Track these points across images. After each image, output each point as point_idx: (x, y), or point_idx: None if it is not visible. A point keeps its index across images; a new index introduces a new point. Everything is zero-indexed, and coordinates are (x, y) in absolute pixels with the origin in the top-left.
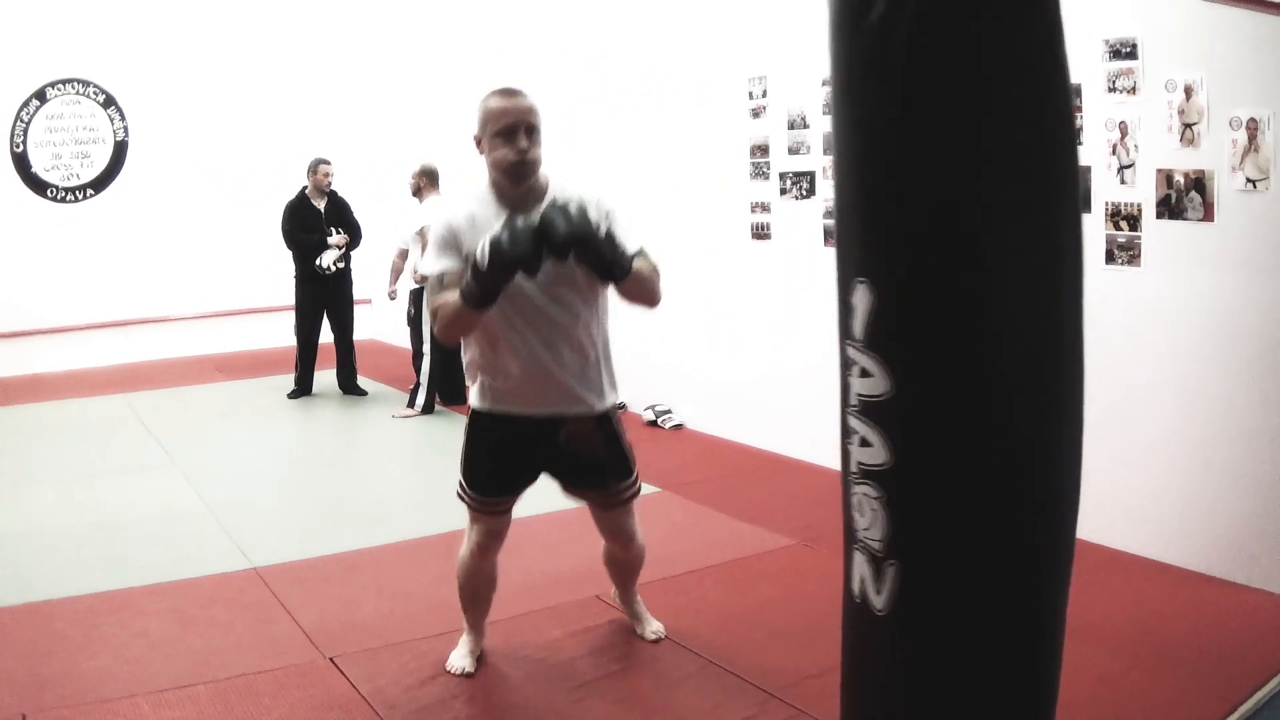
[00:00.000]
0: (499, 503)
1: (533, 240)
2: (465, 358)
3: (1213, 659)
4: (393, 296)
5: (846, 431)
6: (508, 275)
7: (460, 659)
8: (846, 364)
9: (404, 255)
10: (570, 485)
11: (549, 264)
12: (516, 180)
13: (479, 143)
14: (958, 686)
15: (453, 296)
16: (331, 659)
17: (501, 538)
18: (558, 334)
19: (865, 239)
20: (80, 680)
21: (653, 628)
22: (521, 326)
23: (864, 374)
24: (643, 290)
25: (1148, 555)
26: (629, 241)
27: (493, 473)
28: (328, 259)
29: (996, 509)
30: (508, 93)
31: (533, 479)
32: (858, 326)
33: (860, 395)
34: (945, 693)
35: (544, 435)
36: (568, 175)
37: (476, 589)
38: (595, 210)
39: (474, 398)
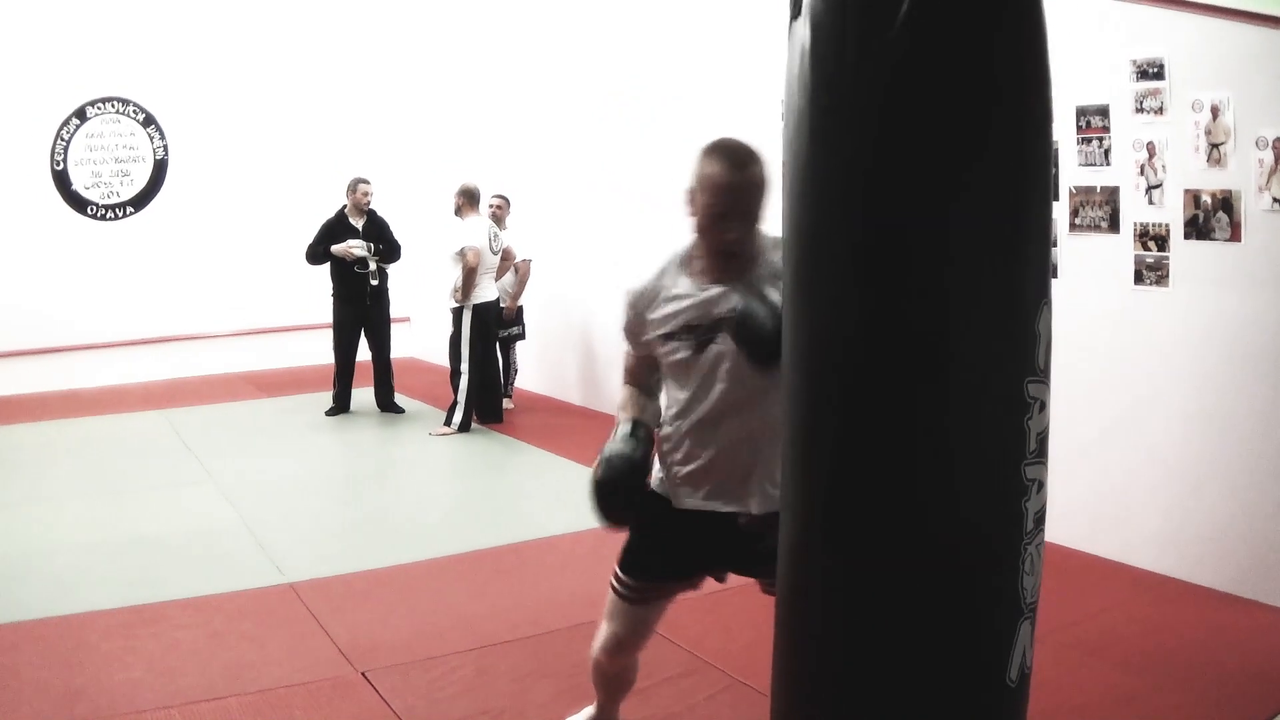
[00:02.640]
0: (653, 589)
1: (628, 473)
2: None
3: (1236, 679)
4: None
5: (1018, 491)
6: (613, 506)
7: None
8: (1022, 407)
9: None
10: (750, 574)
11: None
12: (721, 267)
13: (690, 198)
14: None
15: (621, 398)
16: (364, 674)
17: (643, 636)
18: (752, 418)
19: (1045, 251)
20: (114, 692)
21: None
22: (717, 407)
23: (1042, 407)
24: None
25: (1173, 575)
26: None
27: (656, 557)
28: (358, 250)
29: None
30: (735, 162)
31: (703, 571)
32: (1042, 356)
33: (1038, 434)
34: None
35: (724, 526)
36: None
37: (609, 681)
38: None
39: (655, 480)
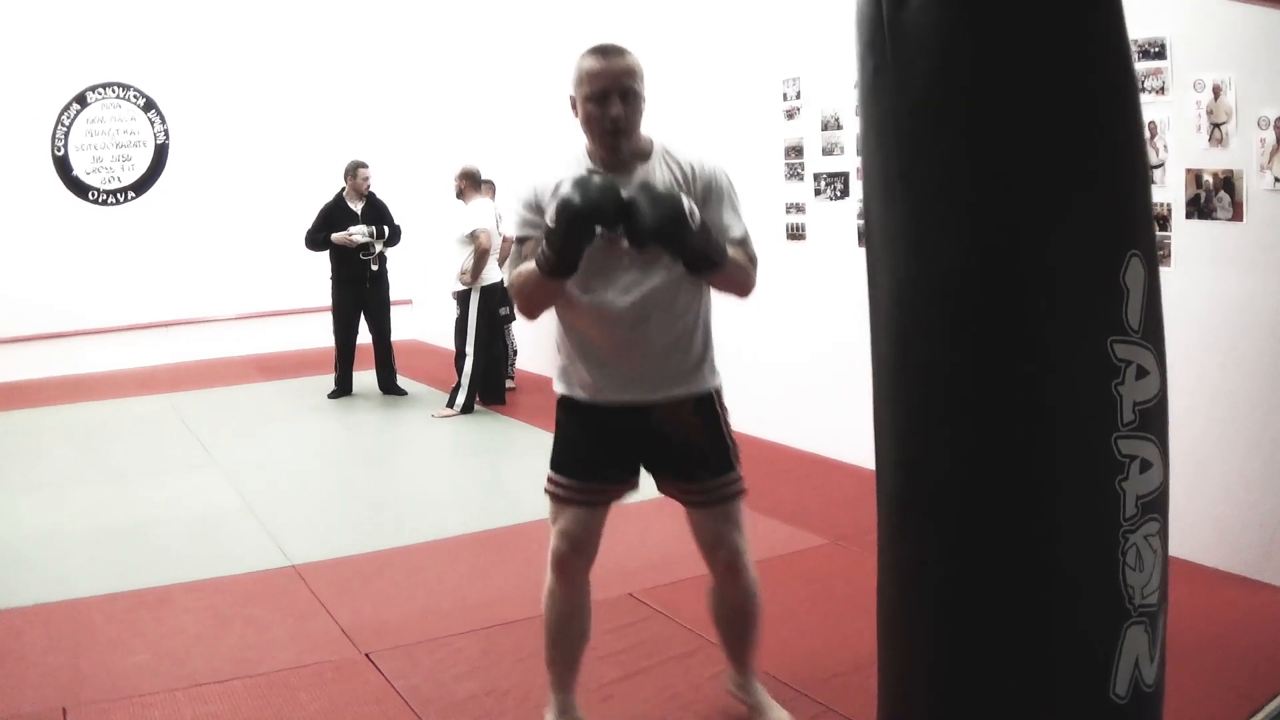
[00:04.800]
0: (591, 488)
1: (611, 197)
2: (556, 330)
3: (1238, 658)
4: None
5: (1114, 466)
6: (578, 235)
7: None
8: (1111, 369)
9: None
10: (661, 477)
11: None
12: (610, 148)
13: (573, 104)
14: None
15: (529, 265)
16: (367, 655)
17: (588, 552)
18: (647, 309)
19: (1134, 200)
20: (119, 675)
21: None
22: (604, 296)
23: (1141, 374)
24: (731, 282)
25: (1177, 555)
26: (729, 223)
27: (584, 456)
28: (359, 237)
29: None
30: (605, 51)
31: (630, 473)
32: (1133, 313)
33: (1138, 404)
34: None
35: (635, 422)
36: (676, 141)
37: (561, 629)
38: (699, 185)
39: (558, 378)
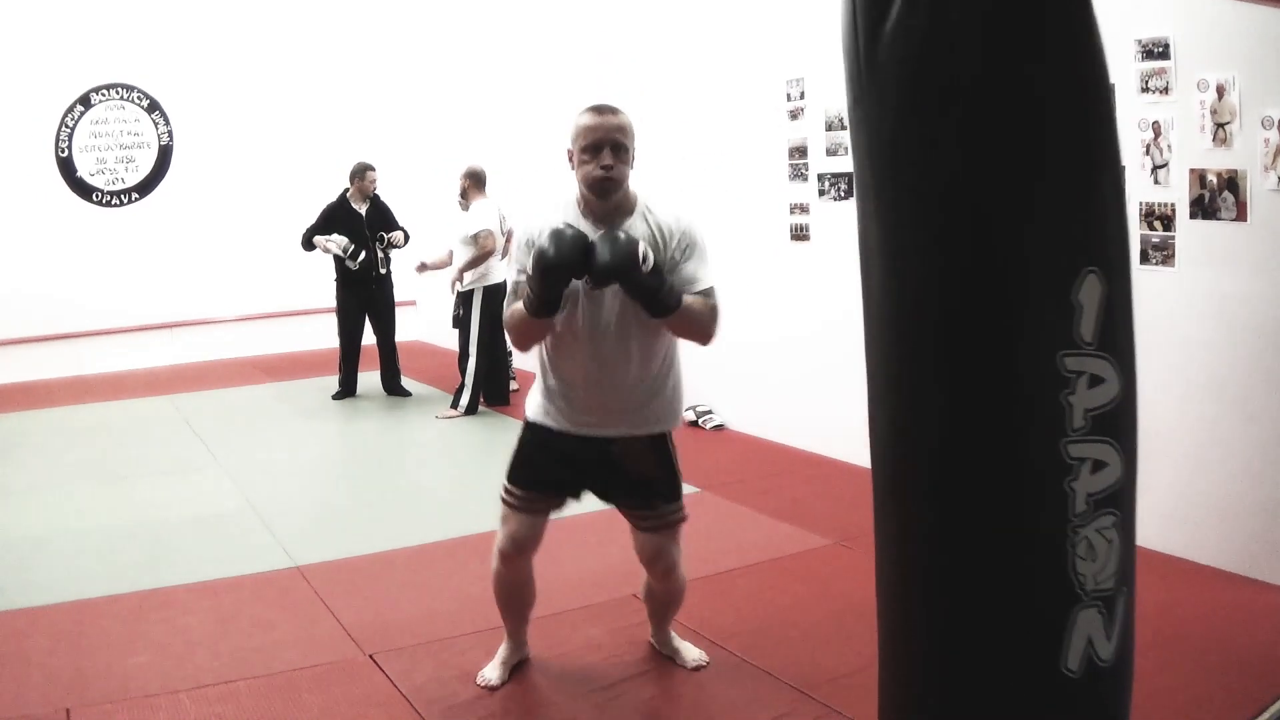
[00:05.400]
0: (541, 502)
1: (579, 250)
2: (536, 363)
3: (1244, 659)
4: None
5: (1063, 469)
6: (553, 282)
7: (490, 670)
8: (1061, 381)
9: (451, 256)
10: (615, 500)
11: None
12: (600, 195)
13: (570, 157)
14: None
15: (520, 305)
16: (371, 656)
17: (530, 545)
18: (626, 353)
19: (1090, 218)
20: (123, 676)
21: (693, 656)
22: (585, 339)
23: (1094, 382)
24: (689, 329)
25: (1180, 555)
26: (697, 276)
27: (541, 476)
28: (333, 248)
29: None
30: (599, 110)
31: (575, 493)
32: (1086, 327)
33: (1090, 411)
34: None
35: (597, 453)
36: (657, 199)
37: (510, 594)
38: (674, 241)
39: (532, 407)
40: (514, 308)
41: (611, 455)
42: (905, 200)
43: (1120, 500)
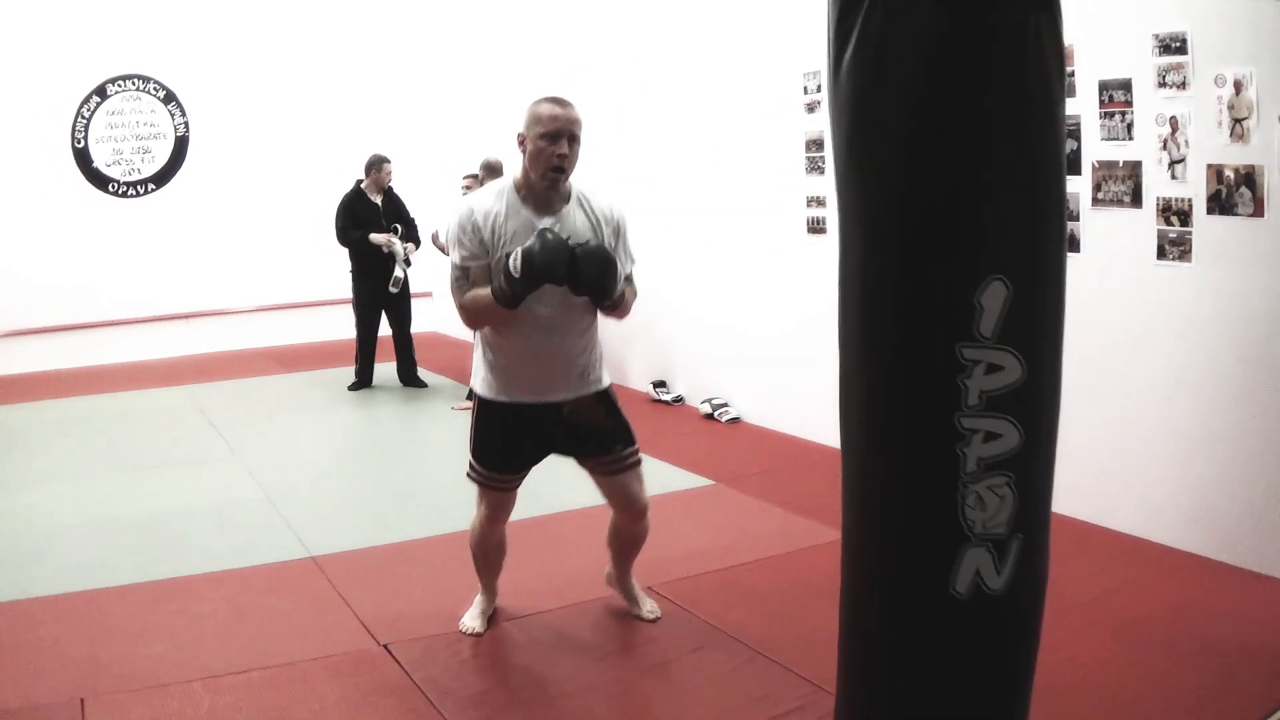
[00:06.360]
0: (506, 479)
1: (564, 259)
2: (478, 341)
3: (1260, 657)
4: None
5: (955, 435)
6: (536, 285)
7: (471, 619)
8: (957, 367)
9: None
10: (579, 455)
11: None
12: (551, 182)
13: (522, 141)
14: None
15: (483, 292)
16: (385, 646)
17: (508, 510)
18: (568, 328)
19: (998, 234)
20: (137, 665)
21: (648, 607)
22: (531, 319)
23: (991, 369)
24: (618, 311)
25: (1197, 552)
26: (626, 265)
27: (501, 451)
28: (398, 269)
29: None
30: (560, 101)
31: (537, 457)
32: (988, 324)
33: (985, 392)
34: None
35: (549, 416)
36: (589, 185)
37: (487, 554)
38: (608, 227)
39: (481, 385)
40: (477, 294)
41: (562, 416)
42: (855, 219)
43: (1016, 464)
